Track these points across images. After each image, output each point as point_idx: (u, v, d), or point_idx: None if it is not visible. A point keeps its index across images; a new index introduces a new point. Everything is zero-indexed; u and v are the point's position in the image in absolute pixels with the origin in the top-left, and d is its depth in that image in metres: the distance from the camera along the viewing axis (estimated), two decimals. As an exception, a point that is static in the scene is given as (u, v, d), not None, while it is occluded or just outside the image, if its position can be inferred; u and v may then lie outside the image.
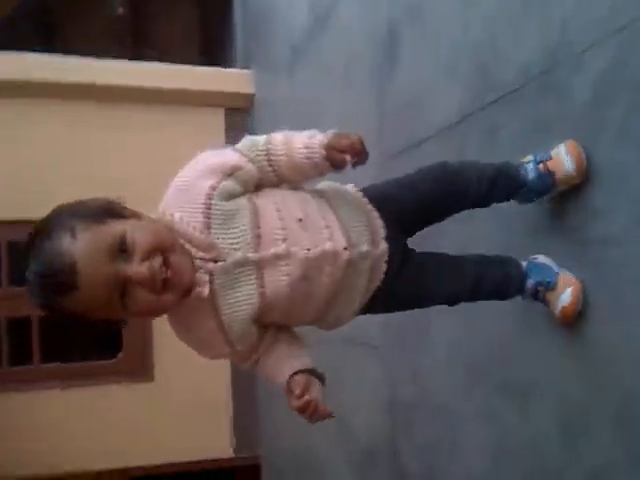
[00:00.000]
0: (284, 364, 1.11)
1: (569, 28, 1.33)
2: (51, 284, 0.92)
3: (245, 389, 3.88)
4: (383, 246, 1.16)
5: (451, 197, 1.26)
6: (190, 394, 3.77)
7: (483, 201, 1.30)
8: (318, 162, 1.09)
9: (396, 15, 2.07)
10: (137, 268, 0.94)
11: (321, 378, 1.09)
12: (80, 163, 3.73)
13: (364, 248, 1.13)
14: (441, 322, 1.79)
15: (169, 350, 3.68)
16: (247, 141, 1.12)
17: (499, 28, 1.56)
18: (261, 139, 1.11)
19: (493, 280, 1.27)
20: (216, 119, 4.07)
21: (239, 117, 3.98)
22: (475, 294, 1.27)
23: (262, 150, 1.10)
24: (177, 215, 1.03)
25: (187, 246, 1.02)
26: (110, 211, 1.00)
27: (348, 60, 2.43)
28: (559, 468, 1.35)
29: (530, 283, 1.28)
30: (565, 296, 1.27)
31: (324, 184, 1.21)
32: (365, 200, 1.20)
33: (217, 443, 3.92)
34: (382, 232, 1.17)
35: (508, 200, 1.33)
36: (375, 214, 1.18)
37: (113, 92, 3.75)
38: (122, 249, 0.95)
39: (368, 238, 1.14)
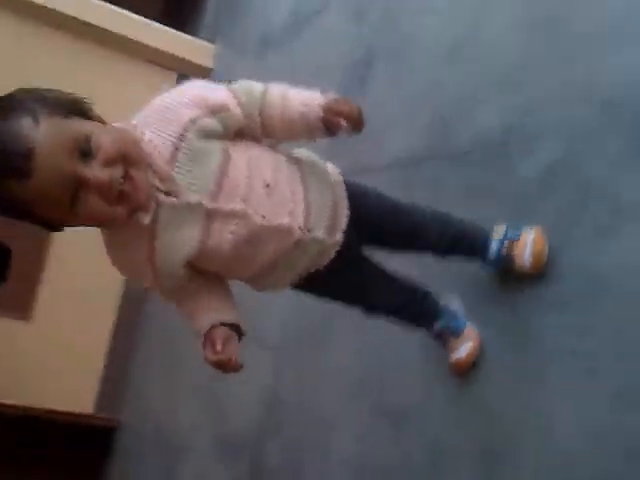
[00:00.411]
0: (208, 313, 1.09)
1: (533, 111, 1.47)
2: (2, 165, 0.87)
3: (123, 349, 3.81)
4: (339, 237, 1.15)
5: (410, 242, 1.33)
6: (65, 341, 3.66)
7: (438, 255, 1.38)
8: (312, 122, 1.07)
9: (378, 44, 2.15)
10: (97, 172, 0.89)
11: (242, 334, 1.08)
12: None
13: (319, 234, 1.11)
14: (343, 333, 1.87)
15: (56, 290, 3.63)
16: (244, 84, 1.09)
17: (469, 91, 1.68)
18: (259, 86, 1.08)
19: (412, 311, 1.37)
20: (166, 81, 4.01)
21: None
22: (396, 315, 1.36)
23: (257, 98, 1.07)
24: (147, 134, 0.99)
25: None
26: (79, 108, 0.95)
27: (318, 69, 2.48)
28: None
29: (438, 325, 1.39)
30: (464, 349, 1.39)
31: (303, 151, 1.18)
32: (343, 187, 1.18)
33: (79, 397, 3.83)
34: (344, 224, 1.15)
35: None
36: (345, 204, 1.17)
37: (62, 19, 3.59)
38: (85, 150, 0.90)
39: (327, 224, 1.13)
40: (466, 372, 1.40)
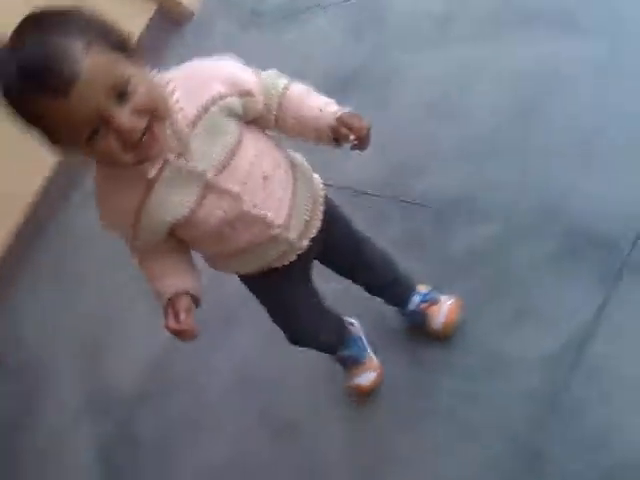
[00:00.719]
0: (174, 278, 1.12)
1: (490, 189, 1.60)
2: (42, 79, 0.85)
3: (19, 258, 3.64)
4: (305, 244, 1.19)
5: (356, 274, 1.42)
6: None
7: (371, 291, 1.47)
8: (323, 128, 1.10)
9: (363, 64, 2.22)
10: (124, 118, 0.90)
11: (199, 304, 1.13)
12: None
13: (292, 236, 1.16)
14: (250, 324, 1.92)
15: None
16: (272, 74, 1.12)
17: (437, 147, 1.79)
18: (283, 80, 1.12)
19: (326, 339, 1.44)
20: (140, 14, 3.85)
21: (163, 32, 3.79)
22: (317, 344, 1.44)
23: (279, 91, 1.10)
24: (177, 95, 1.01)
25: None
26: (128, 48, 0.96)
27: (301, 67, 2.50)
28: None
29: (343, 354, 1.48)
30: (364, 378, 1.49)
31: (299, 158, 1.23)
32: (322, 201, 1.24)
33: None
34: (313, 234, 1.20)
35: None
36: (320, 217, 1.22)
37: None
38: (121, 92, 0.91)
39: (301, 230, 1.18)
40: (364, 399, 1.51)
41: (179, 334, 1.06)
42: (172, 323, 1.06)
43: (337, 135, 1.09)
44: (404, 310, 1.51)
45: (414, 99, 1.97)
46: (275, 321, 1.35)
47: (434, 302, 1.47)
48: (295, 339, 1.38)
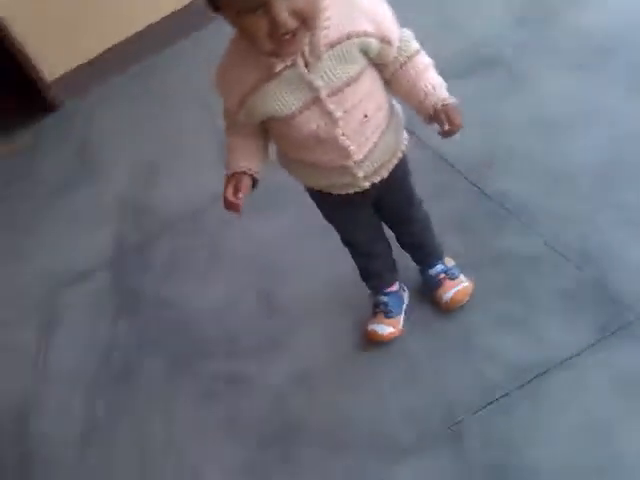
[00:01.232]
0: (246, 156, 1.28)
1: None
2: None
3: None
4: (366, 185, 1.32)
5: (399, 225, 1.58)
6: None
7: (404, 244, 1.63)
8: (426, 104, 1.20)
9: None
10: (283, 12, 1.01)
11: (256, 186, 1.29)
12: None
13: (359, 174, 1.29)
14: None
15: None
16: (409, 34, 1.22)
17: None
18: (416, 44, 1.22)
19: (375, 266, 1.63)
20: None
21: None
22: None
23: (411, 52, 1.21)
24: (329, 13, 1.10)
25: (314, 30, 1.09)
26: None
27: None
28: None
29: (380, 298, 1.64)
30: (384, 328, 1.61)
31: (399, 109, 1.34)
32: (399, 157, 1.36)
33: None
34: (376, 180, 1.33)
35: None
36: (389, 168, 1.34)
37: None
38: None
39: (368, 172, 1.30)
40: (372, 343, 1.63)
41: (230, 206, 1.25)
42: (230, 195, 1.25)
43: (435, 117, 1.20)
44: (425, 272, 1.65)
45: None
46: (333, 226, 1.53)
47: (452, 277, 1.62)
48: (346, 243, 1.57)
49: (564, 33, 2.39)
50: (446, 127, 1.19)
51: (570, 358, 1.39)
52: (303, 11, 1.04)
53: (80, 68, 4.77)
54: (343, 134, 1.22)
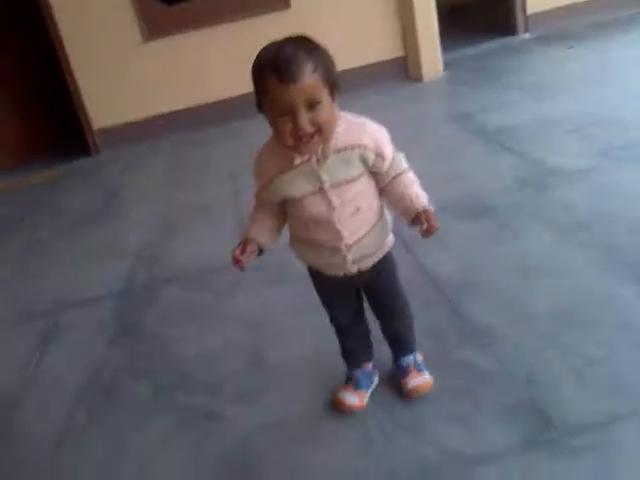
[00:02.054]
0: (259, 229, 1.59)
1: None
2: (282, 67, 1.31)
3: None
4: (353, 269, 1.61)
5: (383, 318, 1.83)
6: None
7: (386, 334, 1.87)
8: (411, 210, 1.52)
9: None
10: (304, 120, 1.35)
11: (262, 254, 1.61)
12: None
13: (348, 257, 1.58)
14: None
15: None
16: (401, 156, 1.56)
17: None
18: (405, 165, 1.56)
19: (352, 345, 1.88)
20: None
21: (391, 73, 4.47)
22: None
23: (400, 170, 1.54)
24: (340, 128, 1.45)
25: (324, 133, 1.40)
26: (334, 89, 1.40)
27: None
28: None
29: (354, 373, 1.87)
30: (351, 399, 1.83)
31: (388, 216, 1.64)
32: (383, 252, 1.65)
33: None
34: (362, 267, 1.62)
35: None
36: (374, 259, 1.63)
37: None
38: (311, 105, 1.35)
39: (356, 258, 1.59)
40: (337, 409, 1.85)
41: (236, 261, 1.55)
42: (237, 252, 1.55)
43: (417, 219, 1.51)
44: (397, 360, 1.89)
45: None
46: (322, 304, 1.79)
47: (418, 370, 1.86)
48: (332, 321, 1.82)
49: (552, 202, 2.82)
50: (425, 227, 1.48)
51: (497, 456, 1.62)
52: (320, 123, 1.37)
53: (125, 125, 5.25)
54: (339, 220, 1.52)
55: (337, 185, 1.50)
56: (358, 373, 1.88)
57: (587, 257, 2.35)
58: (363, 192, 1.54)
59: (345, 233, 1.55)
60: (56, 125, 5.49)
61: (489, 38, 5.95)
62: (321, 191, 1.50)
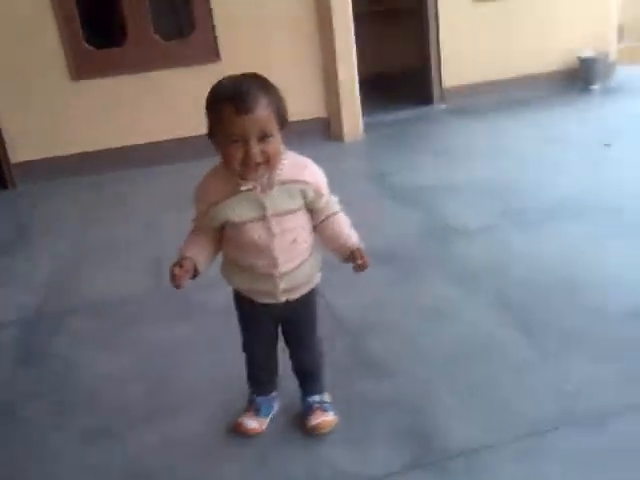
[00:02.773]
0: (196, 250, 1.64)
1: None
2: (238, 98, 1.45)
3: None
4: (282, 298, 1.70)
5: (295, 351, 1.88)
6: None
7: (296, 370, 1.93)
8: (344, 248, 1.67)
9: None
10: (255, 149, 1.47)
11: (197, 275, 1.64)
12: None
13: (280, 285, 1.67)
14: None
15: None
16: (335, 199, 1.71)
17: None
18: (337, 207, 1.71)
19: (257, 373, 1.94)
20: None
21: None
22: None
23: (333, 211, 1.69)
24: (285, 163, 1.58)
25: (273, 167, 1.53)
26: (284, 125, 1.54)
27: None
28: None
29: (255, 398, 1.93)
30: (250, 423, 1.89)
31: (319, 255, 1.75)
32: (309, 289, 1.75)
33: None
34: (290, 297, 1.71)
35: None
36: (302, 292, 1.73)
37: None
38: (262, 137, 1.48)
39: (286, 287, 1.68)
40: (237, 432, 1.90)
41: (174, 278, 1.58)
42: (176, 269, 1.59)
43: (352, 255, 1.66)
44: (304, 397, 1.94)
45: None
46: (241, 331, 1.86)
47: (324, 410, 1.90)
48: (246, 349, 1.88)
49: (451, 254, 3.09)
50: (360, 262, 1.64)
51: (383, 477, 1.72)
52: (269, 154, 1.51)
53: (45, 160, 5.21)
54: (275, 248, 1.62)
55: (278, 214, 1.60)
56: (260, 399, 1.94)
57: (478, 303, 2.57)
58: (300, 225, 1.65)
59: (281, 260, 1.64)
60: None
61: (407, 106, 6.34)
62: (263, 218, 1.59)
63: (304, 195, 1.63)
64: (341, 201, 1.76)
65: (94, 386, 2.26)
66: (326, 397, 1.95)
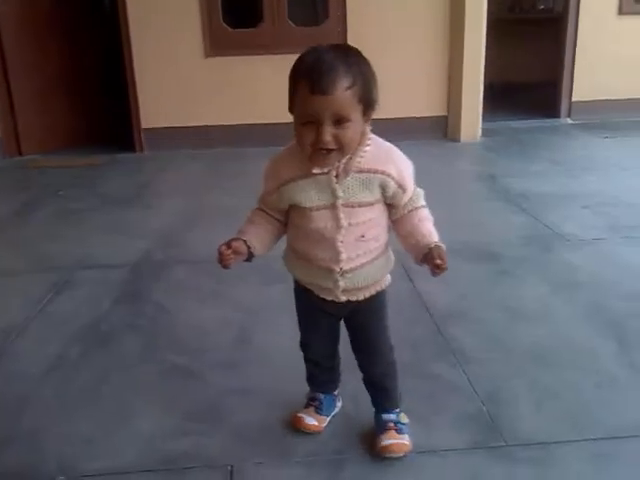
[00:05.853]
0: (254, 231, 1.51)
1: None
2: (317, 77, 1.27)
3: None
4: (342, 298, 1.51)
5: (361, 359, 1.67)
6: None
7: (365, 380, 1.71)
8: (422, 246, 1.43)
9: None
10: (328, 134, 1.29)
11: (250, 260, 1.50)
12: None
13: (340, 283, 1.48)
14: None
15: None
16: (420, 191, 1.49)
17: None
18: (422, 200, 1.49)
19: (320, 372, 1.79)
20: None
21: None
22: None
23: (417, 205, 1.47)
24: (367, 149, 1.39)
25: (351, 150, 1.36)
26: (369, 109, 1.35)
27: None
28: None
29: (316, 395, 1.79)
30: (310, 420, 1.75)
31: (392, 255, 1.56)
32: (375, 290, 1.55)
33: None
34: (352, 298, 1.53)
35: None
36: (366, 294, 1.53)
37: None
38: (339, 120, 1.29)
39: (347, 287, 1.49)
40: (294, 427, 1.77)
41: (220, 256, 1.44)
42: (224, 247, 1.44)
43: (429, 255, 1.40)
44: (377, 414, 1.73)
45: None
46: (299, 326, 1.70)
47: (399, 431, 1.68)
48: (303, 346, 1.72)
49: (554, 261, 2.97)
50: (438, 261, 1.37)
51: (443, 451, 1.71)
52: (342, 140, 1.32)
53: (171, 129, 5.53)
54: (341, 242, 1.44)
55: (350, 205, 1.43)
56: (322, 396, 1.80)
57: (574, 311, 2.46)
58: (373, 221, 1.47)
59: (344, 256, 1.46)
60: (106, 118, 5.79)
61: (531, 117, 6.16)
62: (332, 207, 1.43)
63: (384, 188, 1.43)
64: (439, 198, 1.63)
65: (181, 330, 2.40)
66: (403, 417, 1.73)
